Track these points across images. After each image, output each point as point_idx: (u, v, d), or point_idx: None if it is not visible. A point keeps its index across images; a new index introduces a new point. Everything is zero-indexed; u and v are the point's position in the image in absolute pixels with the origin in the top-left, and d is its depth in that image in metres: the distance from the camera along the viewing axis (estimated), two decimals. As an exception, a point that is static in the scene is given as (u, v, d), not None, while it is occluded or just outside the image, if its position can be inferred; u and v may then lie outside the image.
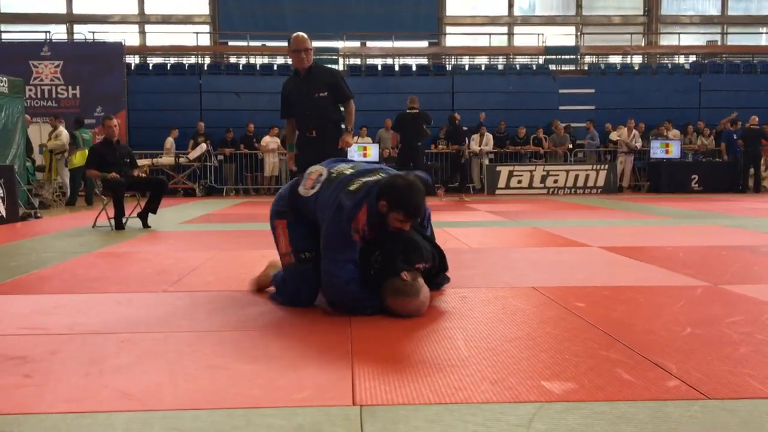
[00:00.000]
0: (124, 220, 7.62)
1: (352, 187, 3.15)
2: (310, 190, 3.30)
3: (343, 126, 5.36)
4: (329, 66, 5.36)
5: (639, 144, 16.25)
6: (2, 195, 8.59)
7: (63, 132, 12.77)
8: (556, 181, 15.46)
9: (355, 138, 15.93)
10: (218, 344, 2.71)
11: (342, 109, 5.40)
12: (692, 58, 20.58)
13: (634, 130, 16.20)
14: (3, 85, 10.36)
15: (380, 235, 3.19)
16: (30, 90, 16.04)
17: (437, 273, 3.56)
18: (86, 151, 11.86)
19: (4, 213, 8.55)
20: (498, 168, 15.67)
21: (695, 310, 3.25)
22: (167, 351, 2.62)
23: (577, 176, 15.49)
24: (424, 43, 21.54)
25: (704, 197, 13.45)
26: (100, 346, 2.69)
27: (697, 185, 15.49)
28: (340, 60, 19.63)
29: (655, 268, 4.47)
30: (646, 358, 2.43)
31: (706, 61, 19.79)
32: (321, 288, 3.25)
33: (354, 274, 3.13)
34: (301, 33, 5.20)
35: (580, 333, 2.81)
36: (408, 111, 10.84)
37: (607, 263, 4.80)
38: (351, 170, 3.30)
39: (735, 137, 15.72)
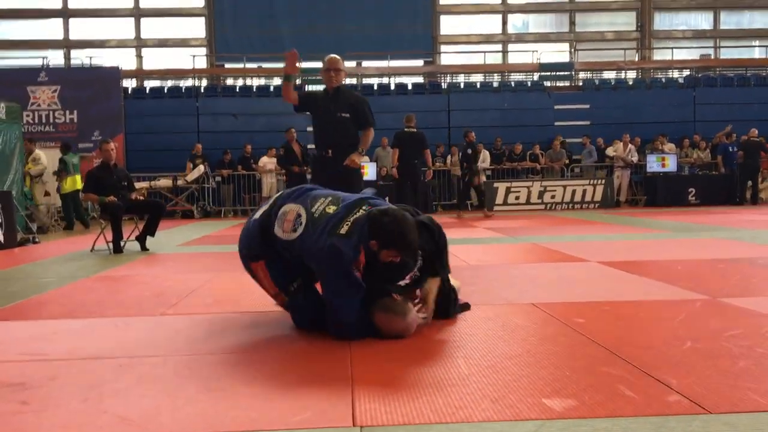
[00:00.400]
0: (122, 244, 7.62)
1: (343, 231, 3.02)
2: (292, 233, 3.14)
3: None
4: (353, 92, 5.58)
5: (635, 158, 16.30)
6: (0, 220, 8.58)
7: (41, 155, 12.65)
8: (553, 197, 15.49)
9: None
10: (217, 367, 2.70)
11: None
12: (686, 72, 20.74)
13: (630, 145, 16.26)
14: (0, 112, 10.40)
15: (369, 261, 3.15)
16: (27, 115, 16.10)
17: (433, 264, 3.36)
18: (77, 177, 11.84)
19: (2, 239, 8.54)
20: (495, 184, 15.70)
21: (695, 323, 3.24)
22: (166, 375, 2.61)
23: (574, 191, 15.52)
24: (420, 62, 21.71)
25: (701, 210, 13.47)
26: (99, 370, 2.68)
27: (694, 198, 15.52)
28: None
29: (654, 282, 4.47)
30: (647, 374, 2.42)
31: (699, 75, 19.93)
32: (327, 324, 3.16)
33: (362, 313, 3.09)
34: (334, 54, 5.49)
35: (580, 349, 2.81)
36: (406, 130, 10.92)
37: (606, 278, 4.80)
38: (333, 208, 3.14)
39: (731, 149, 15.77)
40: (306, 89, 18.94)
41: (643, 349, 2.76)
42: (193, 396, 2.33)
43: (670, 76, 20.76)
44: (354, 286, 3.05)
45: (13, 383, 2.53)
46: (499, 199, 15.47)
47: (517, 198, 15.50)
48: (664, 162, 15.84)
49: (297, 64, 5.40)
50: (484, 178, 16.12)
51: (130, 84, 19.37)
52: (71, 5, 21.24)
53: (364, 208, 3.13)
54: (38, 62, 18.65)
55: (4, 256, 7.73)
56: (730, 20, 22.47)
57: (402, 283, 3.20)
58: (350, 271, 3.02)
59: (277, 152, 15.34)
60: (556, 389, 2.28)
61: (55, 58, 20.14)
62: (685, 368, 2.48)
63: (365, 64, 20.88)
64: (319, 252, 3.03)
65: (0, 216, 8.59)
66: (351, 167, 5.34)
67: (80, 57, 19.76)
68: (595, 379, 2.39)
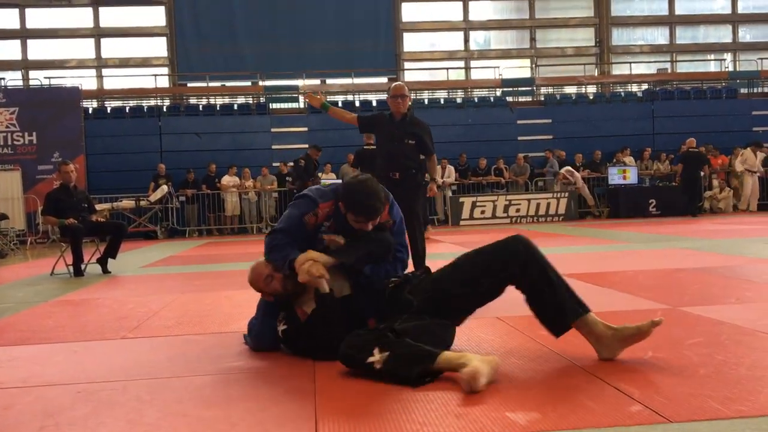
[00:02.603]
0: (83, 267, 7.48)
1: (323, 186, 3.29)
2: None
3: (426, 176, 6.02)
4: (418, 119, 6.02)
5: (580, 183, 16.37)
6: (-44, 245, 8.37)
7: None
8: (518, 210, 15.64)
9: (325, 177, 15.99)
10: (178, 390, 2.65)
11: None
12: (644, 86, 21.18)
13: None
14: (-45, 134, 10.17)
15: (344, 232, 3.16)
16: (-15, 138, 15.79)
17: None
18: None
19: (-43, 264, 8.32)
20: (461, 199, 15.80)
21: (656, 333, 3.25)
22: (126, 400, 2.55)
23: (538, 204, 15.70)
24: (384, 79, 21.80)
25: (662, 221, 13.71)
26: (56, 398, 2.61)
27: (655, 209, 15.80)
28: (300, 98, 19.73)
29: (616, 293, 4.52)
30: (609, 384, 2.44)
31: (657, 89, 20.37)
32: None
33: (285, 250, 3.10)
34: (400, 82, 6.13)
35: (543, 362, 2.82)
36: (365, 147, 10.94)
37: (570, 290, 4.83)
38: None
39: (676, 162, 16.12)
40: (270, 107, 18.93)
41: (605, 360, 2.78)
42: (153, 422, 2.28)
43: (629, 89, 21.18)
44: (292, 224, 3.13)
45: (-35, 414, 2.45)
46: (465, 214, 15.56)
47: (482, 212, 15.62)
48: (625, 174, 16.12)
49: (318, 96, 6.00)
50: (450, 193, 16.22)
51: (90, 104, 19.10)
52: (29, 26, 20.94)
53: None
54: (-4, 83, 18.33)
55: (-41, 282, 7.52)
56: (685, 35, 23.03)
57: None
58: (301, 212, 3.13)
59: (296, 163, 14.59)
60: (520, 402, 2.29)
61: (14, 78, 19.80)
62: (647, 378, 2.51)
63: (329, 81, 20.92)
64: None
65: (-45, 241, 8.38)
66: (431, 197, 6.02)
67: (39, 77, 19.45)
68: (558, 391, 2.40)
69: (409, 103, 5.92)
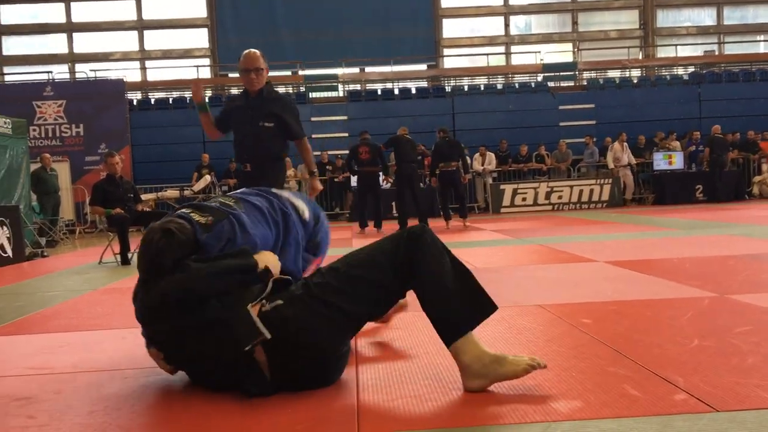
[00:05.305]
0: (129, 255, 7.64)
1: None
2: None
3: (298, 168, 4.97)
4: (288, 96, 4.92)
5: (633, 161, 16.11)
6: (8, 235, 8.63)
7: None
8: (560, 197, 15.44)
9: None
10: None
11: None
12: (690, 69, 20.67)
13: (625, 144, 16.10)
14: (7, 127, 10.47)
15: None
16: (34, 130, 16.24)
17: None
18: None
19: (10, 253, 8.58)
20: (502, 186, 15.66)
21: (702, 321, 3.22)
22: (172, 384, 2.61)
23: (581, 191, 15.47)
24: (423, 66, 21.73)
25: (709, 207, 13.40)
26: (105, 383, 2.68)
27: (701, 195, 15.44)
28: (340, 86, 19.80)
29: (661, 281, 4.44)
30: (654, 373, 2.40)
31: (704, 72, 19.86)
32: None
33: None
34: (254, 50, 4.53)
35: (586, 350, 2.79)
36: (401, 135, 10.92)
37: (614, 278, 4.77)
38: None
39: (695, 148, 15.96)
40: (309, 96, 19.01)
41: (650, 348, 2.74)
42: (199, 408, 2.32)
43: (675, 73, 20.70)
44: None
45: (19, 397, 2.53)
46: (506, 201, 15.44)
47: (524, 199, 15.47)
48: (671, 160, 15.78)
49: (202, 93, 4.76)
50: (490, 180, 16.11)
51: (135, 96, 19.47)
52: (75, 19, 21.42)
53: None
54: (44, 77, 18.80)
55: (12, 270, 7.76)
56: (733, 15, 22.40)
57: None
58: None
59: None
60: (563, 391, 2.27)
61: (61, 72, 20.28)
62: (692, 366, 2.46)
63: (368, 69, 20.92)
64: None
65: (8, 230, 8.64)
66: (311, 196, 4.69)
67: (85, 70, 19.88)
68: (601, 379, 2.37)
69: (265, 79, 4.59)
